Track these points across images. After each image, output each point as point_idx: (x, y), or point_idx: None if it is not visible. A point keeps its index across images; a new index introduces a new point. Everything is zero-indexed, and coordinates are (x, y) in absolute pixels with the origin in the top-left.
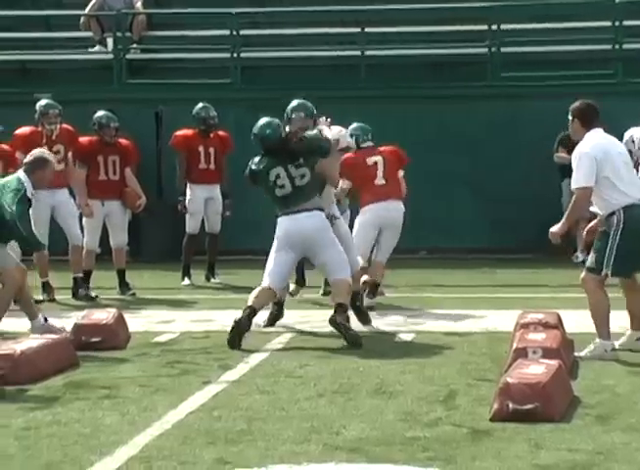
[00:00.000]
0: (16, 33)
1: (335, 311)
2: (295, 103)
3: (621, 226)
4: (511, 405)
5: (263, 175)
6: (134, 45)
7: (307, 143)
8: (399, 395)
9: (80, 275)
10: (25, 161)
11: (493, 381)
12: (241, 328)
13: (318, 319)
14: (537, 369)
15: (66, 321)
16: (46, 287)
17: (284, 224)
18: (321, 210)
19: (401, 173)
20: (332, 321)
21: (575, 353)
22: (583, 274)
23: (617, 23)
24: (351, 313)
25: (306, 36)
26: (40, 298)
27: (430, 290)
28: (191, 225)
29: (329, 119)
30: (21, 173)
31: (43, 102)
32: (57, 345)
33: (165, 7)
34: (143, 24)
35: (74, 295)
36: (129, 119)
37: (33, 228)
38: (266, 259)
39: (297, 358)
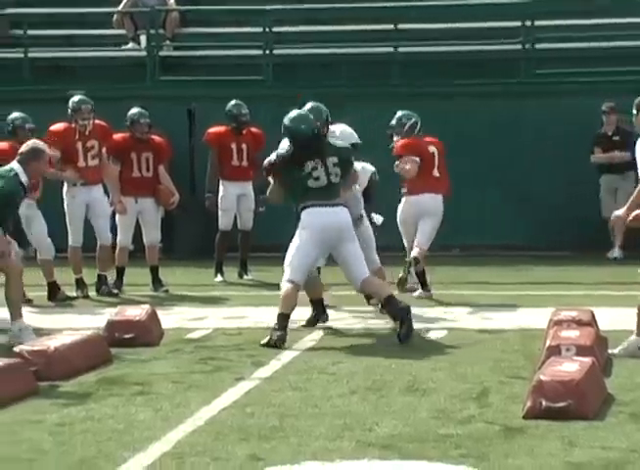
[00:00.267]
0: (49, 31)
1: (388, 304)
2: (309, 106)
3: None
4: (544, 403)
5: (297, 164)
6: (167, 42)
7: (339, 152)
8: (432, 392)
9: (105, 273)
10: (20, 151)
11: (526, 378)
12: (279, 343)
13: (350, 316)
14: (571, 367)
15: (98, 318)
16: (79, 284)
17: (316, 218)
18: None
19: None
20: (396, 309)
21: (609, 351)
22: None
23: None
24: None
25: (339, 33)
26: (74, 294)
27: (462, 287)
28: (223, 222)
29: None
30: (15, 164)
31: (76, 98)
32: (90, 341)
33: (199, 4)
34: (176, 22)
35: (98, 291)
36: (162, 117)
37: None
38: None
39: (330, 355)
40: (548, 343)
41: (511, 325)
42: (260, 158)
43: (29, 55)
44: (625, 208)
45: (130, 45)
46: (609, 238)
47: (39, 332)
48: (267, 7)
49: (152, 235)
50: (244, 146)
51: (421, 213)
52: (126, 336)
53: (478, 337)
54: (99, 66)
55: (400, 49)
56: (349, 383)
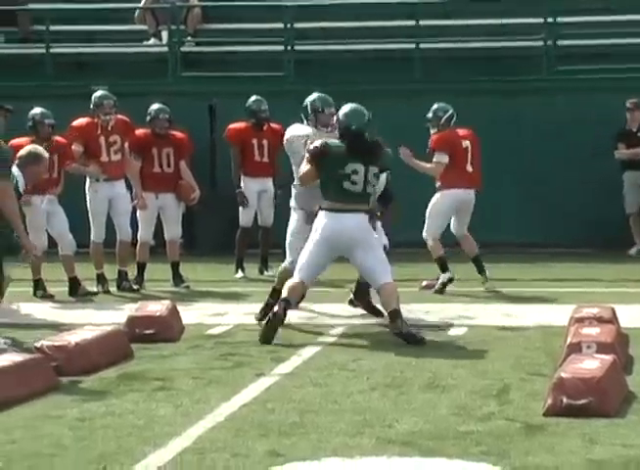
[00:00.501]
0: (71, 26)
1: (391, 320)
2: (320, 96)
3: None
4: (565, 400)
5: (340, 162)
6: (189, 38)
7: (384, 159)
8: (452, 389)
9: (125, 269)
10: (19, 155)
11: (547, 376)
12: (277, 321)
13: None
14: (592, 364)
15: (119, 313)
16: (100, 279)
17: (329, 223)
18: (367, 212)
19: None
20: (398, 334)
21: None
22: None
23: None
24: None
25: (360, 29)
26: (95, 289)
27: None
28: (244, 218)
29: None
30: (13, 168)
31: (98, 93)
32: (111, 336)
33: (220, 0)
34: (198, 17)
35: (118, 287)
36: (183, 112)
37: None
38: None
39: (350, 352)
40: (569, 340)
41: (532, 322)
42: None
43: (51, 51)
44: None
45: (152, 41)
46: (630, 235)
47: (60, 327)
48: (288, 3)
49: (173, 231)
50: (264, 142)
51: (455, 208)
52: (147, 331)
53: (498, 334)
54: (120, 61)
55: (421, 45)
56: (370, 379)
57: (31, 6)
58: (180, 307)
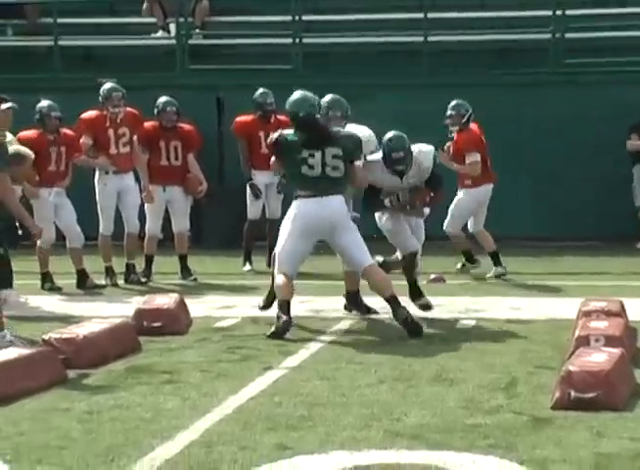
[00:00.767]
0: (79, 19)
1: (393, 309)
2: (330, 99)
3: None
4: (573, 394)
5: (295, 147)
6: (197, 31)
7: (346, 141)
8: (460, 382)
9: (133, 262)
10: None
11: (555, 369)
12: (286, 327)
13: (378, 306)
14: (600, 357)
15: (127, 306)
16: (109, 272)
17: (304, 208)
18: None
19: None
20: (404, 321)
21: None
22: None
23: None
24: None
25: (369, 22)
26: (103, 282)
27: (491, 277)
28: (252, 211)
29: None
30: None
31: (107, 85)
32: (119, 329)
33: None
34: (206, 10)
35: (126, 280)
36: (191, 105)
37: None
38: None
39: (358, 345)
40: (577, 333)
41: (539, 315)
42: None
43: (59, 43)
44: None
45: (160, 33)
46: (639, 228)
47: (68, 320)
48: None
49: (181, 224)
50: (271, 134)
51: (478, 205)
52: (155, 324)
53: (506, 327)
54: (128, 54)
55: (430, 38)
56: (377, 372)
57: None
58: (188, 300)
